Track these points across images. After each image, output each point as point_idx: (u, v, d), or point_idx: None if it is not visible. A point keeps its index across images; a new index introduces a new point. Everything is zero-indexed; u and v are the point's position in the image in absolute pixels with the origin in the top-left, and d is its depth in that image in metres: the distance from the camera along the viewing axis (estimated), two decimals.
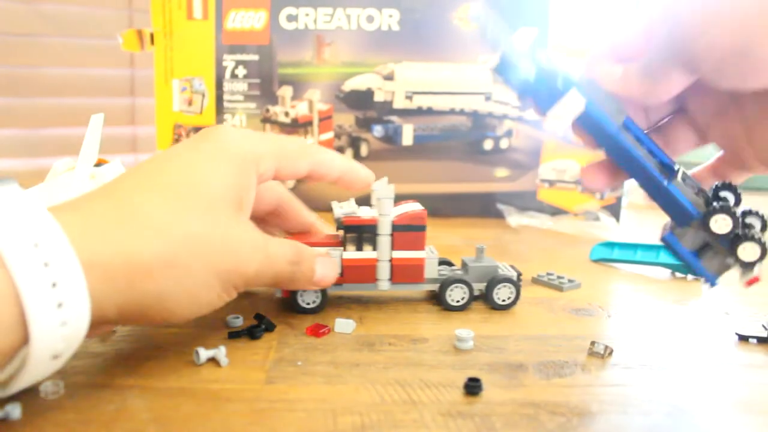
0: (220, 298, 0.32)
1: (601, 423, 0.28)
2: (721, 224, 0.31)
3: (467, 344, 0.35)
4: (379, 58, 0.70)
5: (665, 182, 0.32)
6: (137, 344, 0.34)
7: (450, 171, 0.72)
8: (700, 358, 0.35)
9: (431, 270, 0.41)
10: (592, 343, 0.35)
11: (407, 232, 0.40)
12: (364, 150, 0.72)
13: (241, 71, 0.71)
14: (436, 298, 0.42)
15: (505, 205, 0.71)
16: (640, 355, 0.35)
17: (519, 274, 0.42)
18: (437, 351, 0.35)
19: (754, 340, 0.37)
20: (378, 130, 0.72)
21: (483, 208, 0.72)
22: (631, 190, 0.84)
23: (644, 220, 0.75)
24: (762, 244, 0.31)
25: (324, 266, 0.37)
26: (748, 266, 0.32)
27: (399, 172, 0.72)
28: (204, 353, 0.32)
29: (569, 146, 0.70)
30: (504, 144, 0.71)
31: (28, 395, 0.28)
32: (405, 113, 0.71)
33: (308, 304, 0.40)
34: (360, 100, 0.71)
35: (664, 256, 0.51)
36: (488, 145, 0.71)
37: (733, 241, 0.31)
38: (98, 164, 0.43)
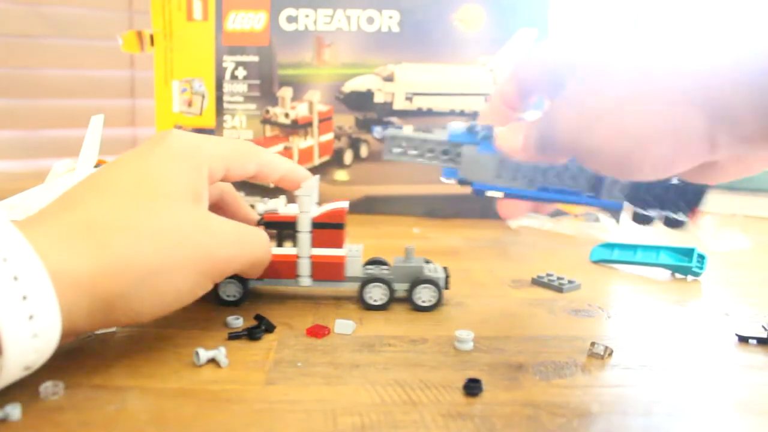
0: (192, 293, 0.33)
1: (601, 424, 0.28)
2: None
3: (467, 345, 0.35)
4: (379, 60, 0.70)
5: (591, 199, 0.37)
6: (137, 345, 0.34)
7: None
8: (700, 359, 0.35)
9: (354, 268, 0.41)
10: (592, 343, 0.35)
11: (326, 229, 0.40)
12: (364, 151, 0.72)
13: (241, 72, 0.72)
14: (358, 297, 0.41)
15: None
16: (640, 356, 0.35)
17: (446, 277, 0.42)
18: (437, 352, 0.35)
19: (754, 341, 0.37)
20: (378, 131, 0.72)
21: (483, 209, 0.72)
22: None
23: None
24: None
25: None
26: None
27: (399, 174, 0.72)
28: (204, 354, 0.32)
29: None
30: None
31: (28, 396, 0.28)
32: (405, 114, 0.71)
33: (230, 296, 0.40)
34: (360, 101, 0.71)
35: (664, 257, 0.51)
36: None
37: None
38: (98, 165, 0.43)
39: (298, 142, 0.72)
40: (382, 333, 0.37)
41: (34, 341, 0.25)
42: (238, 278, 0.40)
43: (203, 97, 0.72)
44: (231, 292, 0.40)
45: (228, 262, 0.34)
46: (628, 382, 0.32)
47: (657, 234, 0.67)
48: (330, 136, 0.72)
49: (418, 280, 0.41)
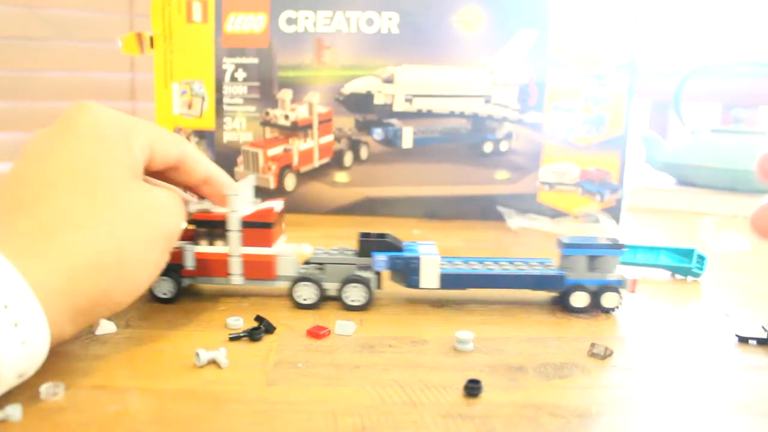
0: (158, 266, 0.34)
1: (600, 425, 0.28)
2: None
3: (467, 346, 0.35)
4: (378, 61, 0.70)
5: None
6: (137, 346, 0.34)
7: (450, 174, 0.72)
8: (699, 360, 0.35)
9: (287, 267, 0.42)
10: (592, 344, 0.35)
11: (254, 228, 0.41)
12: (364, 153, 0.72)
13: (240, 74, 0.72)
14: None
15: (505, 207, 0.71)
16: (639, 357, 0.35)
17: (377, 277, 0.42)
18: (437, 353, 0.35)
19: (754, 342, 0.37)
20: (378, 133, 0.72)
21: (483, 210, 0.72)
22: (632, 193, 0.84)
23: (644, 223, 0.75)
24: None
25: None
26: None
27: (399, 175, 0.72)
28: (205, 355, 0.32)
29: (569, 149, 0.70)
30: (504, 146, 0.71)
31: (29, 397, 0.28)
32: (405, 116, 0.71)
33: (164, 294, 0.41)
34: (360, 103, 0.71)
35: (664, 258, 0.51)
36: (488, 147, 0.72)
37: None
38: None
39: (298, 144, 0.72)
40: (383, 334, 0.37)
41: (24, 348, 0.26)
42: (171, 276, 0.40)
43: (203, 99, 0.73)
44: (165, 289, 0.41)
45: (174, 227, 0.35)
46: (627, 382, 0.32)
47: (656, 235, 0.67)
48: (330, 137, 0.72)
49: (347, 280, 0.41)
